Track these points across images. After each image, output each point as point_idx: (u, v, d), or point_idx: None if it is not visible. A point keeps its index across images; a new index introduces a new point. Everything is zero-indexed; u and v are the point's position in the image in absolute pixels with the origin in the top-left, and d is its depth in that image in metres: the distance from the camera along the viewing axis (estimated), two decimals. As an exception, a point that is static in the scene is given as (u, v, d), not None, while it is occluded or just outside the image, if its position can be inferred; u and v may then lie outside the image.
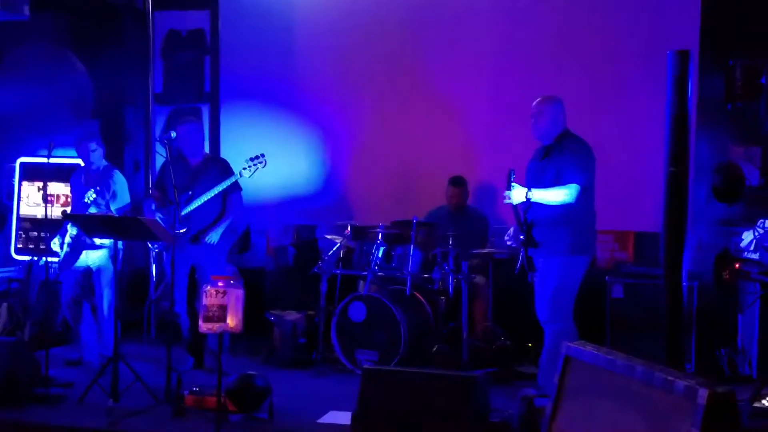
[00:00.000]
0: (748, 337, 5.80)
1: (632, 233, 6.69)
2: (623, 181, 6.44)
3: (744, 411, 4.32)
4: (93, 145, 6.05)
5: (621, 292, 6.03)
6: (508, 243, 5.41)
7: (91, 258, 5.98)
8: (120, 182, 6.06)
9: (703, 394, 2.73)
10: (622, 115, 6.60)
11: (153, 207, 5.95)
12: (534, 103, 5.16)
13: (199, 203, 5.75)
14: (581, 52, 6.76)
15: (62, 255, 5.96)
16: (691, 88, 4.14)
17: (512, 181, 4.94)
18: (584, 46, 6.77)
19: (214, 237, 5.83)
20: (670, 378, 2.90)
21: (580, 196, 4.92)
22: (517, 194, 4.94)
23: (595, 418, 3.29)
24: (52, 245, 6.00)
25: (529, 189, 4.94)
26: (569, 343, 3.57)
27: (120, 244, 5.20)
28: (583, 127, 5.23)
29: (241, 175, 5.77)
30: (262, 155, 5.78)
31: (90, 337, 6.09)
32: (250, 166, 5.76)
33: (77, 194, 6.10)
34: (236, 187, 5.90)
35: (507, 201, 4.98)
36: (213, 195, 5.76)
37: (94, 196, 5.66)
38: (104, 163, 6.14)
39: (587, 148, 5.06)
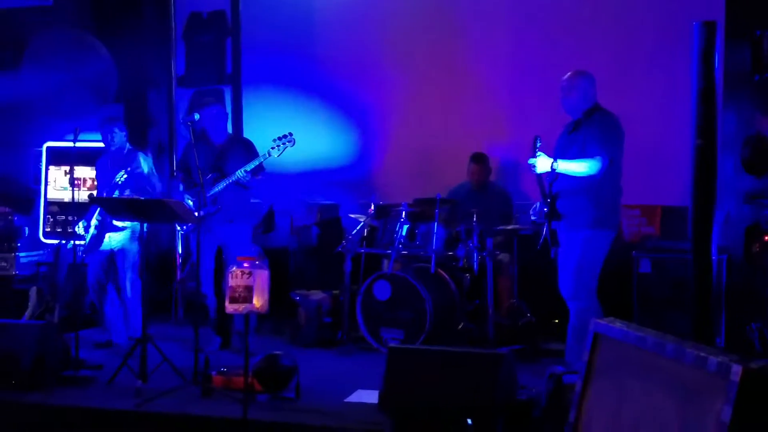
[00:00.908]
0: (779, 311, 5.72)
1: (659, 207, 6.61)
2: (650, 155, 6.36)
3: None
4: (116, 130, 6.09)
5: (648, 266, 5.98)
6: (533, 218, 5.36)
7: (113, 240, 6.03)
8: (147, 165, 6.10)
9: (736, 370, 2.67)
10: (647, 87, 6.52)
11: (181, 188, 5.98)
12: (564, 77, 5.10)
13: (226, 184, 5.77)
14: (605, 25, 6.67)
15: (88, 239, 6.01)
16: (718, 59, 4.06)
17: (537, 149, 4.88)
18: (608, 18, 6.68)
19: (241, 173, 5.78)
20: (702, 354, 2.85)
21: (606, 170, 4.86)
22: (542, 162, 4.89)
23: (625, 396, 3.25)
24: (77, 229, 6.06)
25: (555, 159, 4.88)
26: (598, 320, 3.53)
27: (145, 226, 5.23)
28: (608, 100, 5.17)
29: (269, 155, 5.77)
30: (290, 134, 5.77)
31: (117, 320, 6.15)
32: (278, 146, 5.75)
33: (102, 178, 6.14)
34: (261, 167, 5.91)
35: (532, 169, 4.91)
36: (241, 175, 5.78)
37: (125, 176, 5.71)
38: (128, 147, 6.17)
39: (616, 122, 5.00)
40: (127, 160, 5.99)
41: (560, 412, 3.80)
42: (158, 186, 6.14)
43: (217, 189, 5.77)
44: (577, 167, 4.88)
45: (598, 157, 4.85)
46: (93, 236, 6.00)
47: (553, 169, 4.87)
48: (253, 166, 5.79)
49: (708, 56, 4.02)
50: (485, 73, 7.05)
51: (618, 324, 3.41)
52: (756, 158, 5.85)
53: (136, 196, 5.76)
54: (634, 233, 6.56)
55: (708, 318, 4.19)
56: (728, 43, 6.02)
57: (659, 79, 6.45)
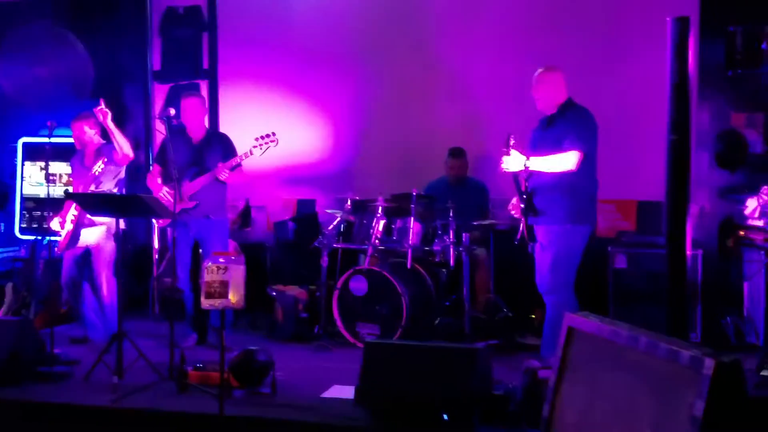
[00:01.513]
0: (754, 305, 5.78)
1: (635, 202, 6.67)
2: (625, 150, 6.40)
3: (751, 380, 4.31)
4: (86, 128, 6.03)
5: (624, 262, 6.02)
6: (513, 213, 5.37)
7: (89, 237, 5.98)
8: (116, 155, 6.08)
9: (708, 364, 2.69)
10: (622, 82, 6.55)
11: (159, 182, 5.94)
12: (535, 74, 5.13)
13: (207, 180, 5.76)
14: (580, 20, 6.70)
15: (63, 234, 5.96)
16: (692, 54, 4.08)
17: (510, 147, 4.87)
18: (583, 13, 6.70)
19: (225, 173, 5.76)
20: (674, 348, 2.88)
21: (582, 165, 4.89)
22: (515, 161, 4.88)
23: (599, 390, 3.27)
24: (52, 225, 6.01)
25: (527, 157, 4.89)
26: (572, 314, 3.55)
27: (121, 223, 5.20)
28: (583, 95, 5.19)
29: (251, 153, 5.74)
30: (273, 133, 5.74)
31: (92, 317, 6.11)
32: (260, 145, 5.73)
33: (78, 176, 6.10)
34: (238, 163, 5.88)
35: (504, 167, 4.90)
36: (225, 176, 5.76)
37: (102, 166, 5.67)
38: (102, 142, 6.12)
39: (590, 117, 5.03)
40: (101, 154, 5.94)
41: (536, 406, 3.82)
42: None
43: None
44: (552, 164, 4.89)
45: (572, 152, 4.87)
46: (68, 232, 5.95)
47: (526, 167, 4.88)
48: (234, 165, 5.76)
49: (681, 52, 4.05)
50: (462, 68, 7.07)
51: (592, 318, 3.43)
52: (729, 153, 5.91)
53: (114, 189, 5.75)
54: (610, 228, 6.61)
55: (683, 312, 4.23)
56: (702, 39, 6.07)
57: (634, 74, 6.48)
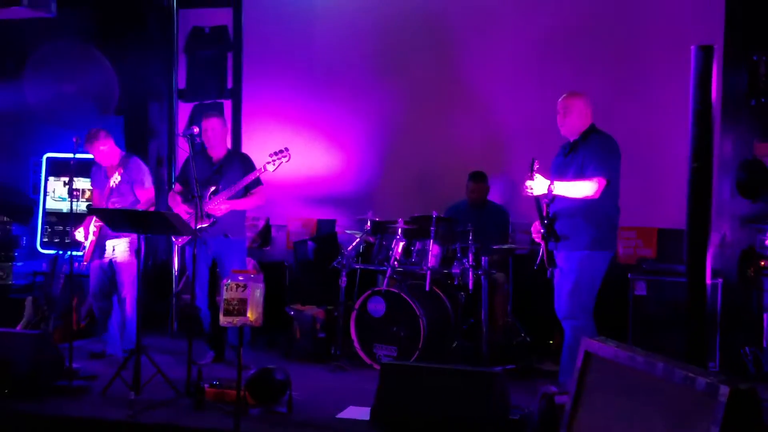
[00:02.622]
0: (773, 335, 5.73)
1: (656, 230, 6.64)
2: (647, 177, 6.38)
3: (768, 410, 4.27)
4: (101, 147, 6.08)
5: (644, 289, 5.99)
6: (535, 237, 5.33)
7: (115, 250, 6.04)
8: (141, 169, 6.14)
9: (724, 391, 2.69)
10: (645, 110, 6.54)
11: (178, 201, 5.99)
12: (560, 99, 5.14)
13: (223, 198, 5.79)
14: (605, 47, 6.71)
15: (87, 245, 6.01)
16: (715, 83, 4.08)
17: (534, 171, 4.87)
18: (608, 40, 6.71)
19: (222, 207, 5.79)
20: (690, 375, 2.87)
21: (604, 191, 4.89)
22: (539, 185, 4.87)
23: (615, 415, 3.26)
24: (76, 234, 6.06)
25: (551, 182, 4.90)
26: (589, 339, 3.54)
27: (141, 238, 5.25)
28: (606, 122, 5.20)
29: (265, 169, 5.78)
30: (286, 149, 5.78)
31: (115, 330, 6.16)
32: (274, 161, 5.76)
33: (98, 185, 6.17)
34: (258, 181, 5.92)
35: (528, 191, 4.90)
36: (237, 190, 5.79)
37: (119, 178, 5.73)
38: (122, 153, 6.18)
39: (613, 143, 5.04)
40: (122, 166, 6.00)
41: (552, 431, 3.80)
42: (148, 182, 6.16)
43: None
44: (576, 189, 4.90)
45: (596, 179, 4.87)
46: (92, 243, 6.01)
47: (550, 191, 4.88)
48: (249, 182, 5.80)
49: (705, 79, 4.05)
50: (484, 92, 7.09)
51: (609, 343, 3.41)
52: (751, 182, 5.88)
53: (133, 203, 5.82)
54: (631, 255, 6.58)
55: (702, 341, 4.20)
56: (726, 67, 6.06)
57: (657, 101, 6.48)
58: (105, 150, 6.09)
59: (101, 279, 6.14)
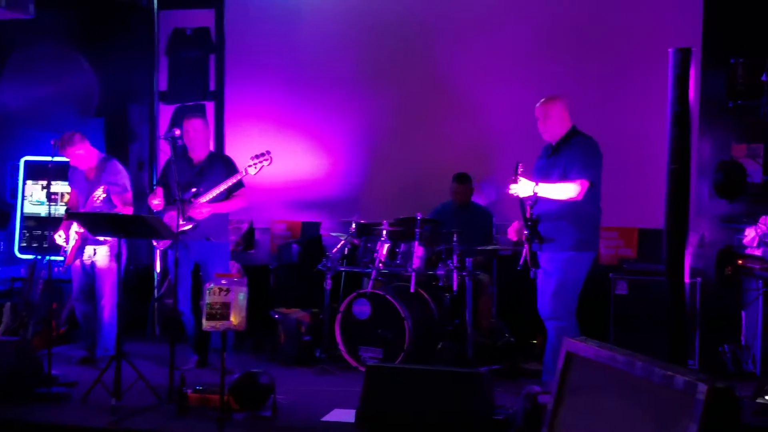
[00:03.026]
0: (751, 333, 5.79)
1: (636, 230, 6.69)
2: (628, 178, 6.42)
3: (747, 407, 4.32)
4: (80, 152, 6.02)
5: (625, 288, 6.04)
6: (511, 238, 5.37)
7: (95, 254, 6.00)
8: (120, 173, 6.10)
9: (702, 389, 2.73)
10: (626, 112, 6.60)
11: (159, 203, 5.95)
12: (537, 106, 5.18)
13: (205, 200, 5.76)
14: (587, 50, 6.76)
15: (69, 248, 5.97)
16: (693, 85, 4.13)
17: (519, 174, 4.91)
18: (590, 43, 6.76)
19: (203, 210, 5.74)
20: (669, 373, 2.91)
21: (587, 193, 4.93)
22: (523, 187, 4.91)
23: (596, 414, 3.29)
24: (56, 238, 6.01)
25: (536, 183, 4.93)
26: (571, 339, 3.57)
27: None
28: (587, 124, 5.24)
29: (246, 172, 5.77)
30: (268, 152, 5.77)
31: (97, 334, 6.12)
32: (255, 164, 5.75)
33: (78, 186, 6.12)
34: (240, 184, 5.91)
35: (512, 192, 4.93)
36: (218, 192, 5.77)
37: (103, 195, 5.69)
38: (100, 155, 6.15)
39: (595, 146, 5.09)
40: (102, 169, 5.96)
41: (535, 431, 3.82)
42: (127, 186, 6.12)
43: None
44: (560, 191, 4.94)
45: (579, 181, 4.92)
46: (74, 246, 5.96)
47: (534, 193, 4.92)
48: (230, 185, 5.78)
49: (683, 82, 4.10)
50: (468, 94, 7.11)
51: (590, 343, 3.45)
52: (728, 183, 5.94)
53: (111, 208, 5.80)
54: (612, 255, 6.63)
55: (682, 339, 4.25)
56: (705, 70, 6.13)
57: (637, 104, 6.54)
58: (81, 154, 6.02)
59: (83, 280, 6.08)
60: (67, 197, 7.08)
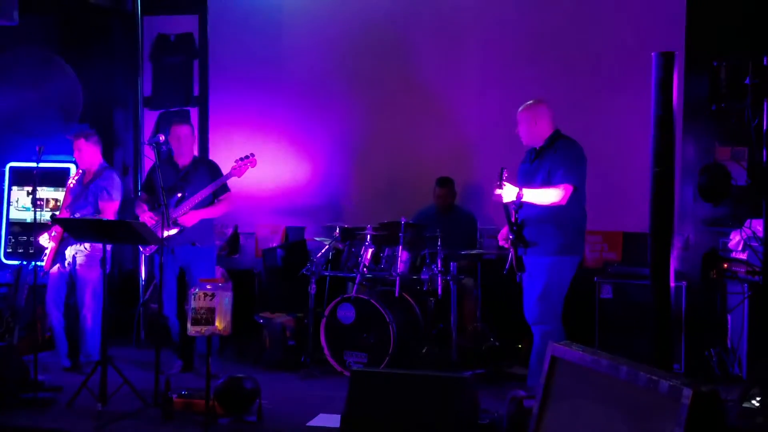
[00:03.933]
0: (737, 336, 5.81)
1: (621, 233, 6.71)
2: (612, 182, 6.46)
3: (733, 411, 4.33)
4: (88, 147, 6.05)
5: (610, 292, 6.05)
6: (502, 243, 5.39)
7: (75, 258, 5.96)
8: (114, 181, 6.09)
9: (687, 393, 2.73)
10: (609, 115, 6.63)
11: (144, 209, 5.95)
12: (519, 111, 5.18)
13: (190, 205, 5.75)
14: (568, 54, 6.78)
15: (47, 251, 5.93)
16: (676, 88, 4.15)
17: (503, 180, 4.91)
18: (571, 47, 6.79)
19: (190, 218, 5.76)
20: (654, 378, 2.91)
21: (572, 197, 4.94)
22: (508, 193, 4.91)
23: (581, 419, 3.29)
24: (41, 240, 5.98)
25: (520, 188, 4.94)
26: (555, 344, 3.57)
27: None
28: (571, 127, 5.26)
29: (230, 176, 5.77)
30: (252, 155, 5.79)
31: (79, 340, 6.08)
32: (240, 166, 5.76)
33: (73, 192, 6.10)
34: (225, 188, 5.91)
35: (497, 197, 4.93)
36: (204, 196, 5.76)
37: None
38: (102, 164, 6.15)
39: (579, 150, 5.09)
40: (99, 177, 5.95)
41: (520, 435, 3.83)
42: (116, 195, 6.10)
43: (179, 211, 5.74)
44: (544, 196, 4.94)
45: (563, 186, 4.92)
46: (52, 249, 5.93)
47: (519, 197, 4.92)
48: (215, 188, 5.78)
49: (666, 85, 4.12)
50: (451, 99, 7.13)
51: (575, 347, 3.45)
52: (712, 186, 5.97)
53: (93, 213, 5.77)
54: (596, 259, 6.65)
55: (667, 343, 4.26)
56: (688, 73, 6.17)
57: (621, 107, 6.57)
58: (89, 152, 6.05)
59: (58, 287, 6.05)
60: (52, 203, 7.06)
